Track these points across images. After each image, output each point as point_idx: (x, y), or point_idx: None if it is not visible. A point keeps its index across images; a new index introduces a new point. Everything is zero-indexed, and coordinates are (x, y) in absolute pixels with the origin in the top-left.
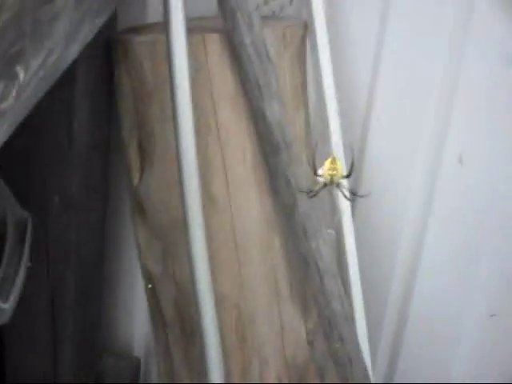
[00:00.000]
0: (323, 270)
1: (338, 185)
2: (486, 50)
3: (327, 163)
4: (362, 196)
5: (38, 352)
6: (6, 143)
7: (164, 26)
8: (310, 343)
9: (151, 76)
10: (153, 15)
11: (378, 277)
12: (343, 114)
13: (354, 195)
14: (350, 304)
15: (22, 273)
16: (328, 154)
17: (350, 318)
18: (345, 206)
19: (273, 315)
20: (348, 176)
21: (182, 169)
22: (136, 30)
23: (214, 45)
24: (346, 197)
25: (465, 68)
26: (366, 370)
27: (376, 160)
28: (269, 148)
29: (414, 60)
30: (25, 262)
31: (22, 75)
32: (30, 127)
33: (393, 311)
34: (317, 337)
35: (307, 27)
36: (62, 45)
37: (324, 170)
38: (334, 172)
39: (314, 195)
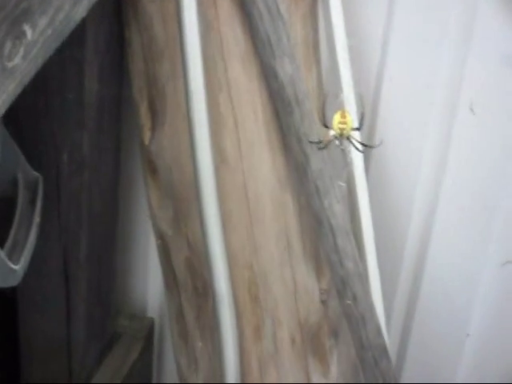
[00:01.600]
0: (336, 228)
1: (349, 137)
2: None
3: (337, 116)
4: (373, 146)
5: (50, 313)
6: (16, 103)
7: None
8: (324, 302)
9: (161, 34)
10: None
11: (393, 233)
12: (356, 67)
13: (365, 146)
14: (364, 262)
15: (33, 234)
16: (339, 107)
17: (364, 277)
18: (357, 160)
19: (286, 274)
20: (359, 128)
21: (193, 127)
22: None
23: (225, 2)
24: (357, 149)
25: (478, 25)
26: (379, 329)
27: (389, 112)
28: (280, 106)
29: (427, 14)
30: (36, 223)
31: (29, 34)
32: (39, 87)
33: (408, 268)
34: (330, 296)
35: None
36: (70, 3)
37: (334, 123)
38: (344, 125)
39: (324, 147)
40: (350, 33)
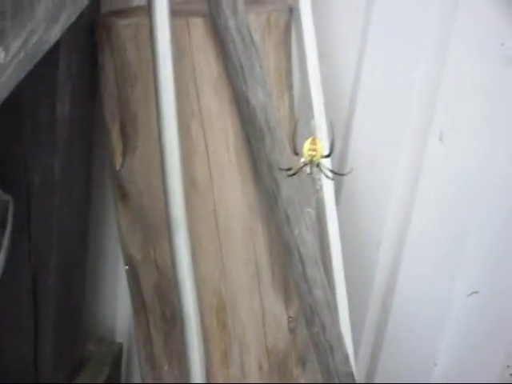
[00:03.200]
0: (305, 257)
1: (319, 164)
2: (470, 43)
3: (307, 143)
4: (343, 174)
5: (18, 336)
6: None
7: (148, 9)
8: (292, 330)
9: (134, 59)
10: None
11: (362, 262)
12: (328, 97)
13: (334, 174)
14: (333, 291)
15: (2, 256)
16: (311, 134)
17: (333, 306)
18: (328, 187)
19: (254, 301)
20: (328, 156)
21: (165, 153)
22: (120, 12)
23: (198, 29)
24: (327, 176)
25: (450, 56)
26: (347, 357)
27: (361, 140)
28: (252, 133)
29: (400, 45)
30: (6, 246)
31: (2, 56)
32: (11, 108)
33: (376, 297)
34: (298, 324)
35: (292, 12)
36: (43, 26)
37: (304, 150)
38: (314, 152)
39: (294, 174)
40: (323, 61)
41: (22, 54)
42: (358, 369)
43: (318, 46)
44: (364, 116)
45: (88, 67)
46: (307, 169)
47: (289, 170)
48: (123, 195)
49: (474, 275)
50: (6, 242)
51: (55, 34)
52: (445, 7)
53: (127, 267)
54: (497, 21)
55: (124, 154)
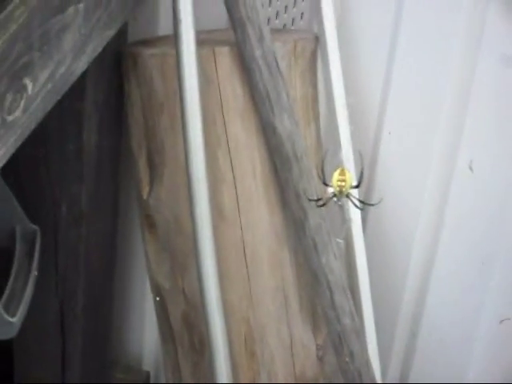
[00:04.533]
0: (333, 285)
1: (348, 195)
2: (497, 56)
3: (336, 174)
4: (372, 204)
5: (46, 365)
6: (15, 155)
7: (174, 38)
8: (320, 358)
9: (161, 89)
10: (163, 28)
11: (389, 289)
12: (355, 125)
13: (364, 204)
14: (361, 318)
15: (30, 286)
16: (338, 164)
17: (361, 333)
18: (355, 216)
19: (282, 329)
20: (357, 186)
21: (192, 182)
22: (146, 42)
23: (224, 57)
24: (356, 206)
25: (477, 77)
26: None
27: (388, 168)
28: (279, 161)
29: (425, 72)
30: (33, 276)
31: (30, 87)
32: (38, 138)
33: (404, 324)
34: (326, 352)
35: (318, 40)
36: (70, 57)
37: (333, 180)
38: (343, 183)
39: (323, 204)
40: (349, 89)
41: (50, 85)
42: None
43: (344, 75)
44: (390, 144)
45: (114, 97)
46: (336, 199)
47: (318, 200)
48: (150, 224)
49: (504, 301)
50: (33, 271)
51: (82, 64)
52: (470, 32)
53: (158, 299)
54: None
55: (151, 183)
